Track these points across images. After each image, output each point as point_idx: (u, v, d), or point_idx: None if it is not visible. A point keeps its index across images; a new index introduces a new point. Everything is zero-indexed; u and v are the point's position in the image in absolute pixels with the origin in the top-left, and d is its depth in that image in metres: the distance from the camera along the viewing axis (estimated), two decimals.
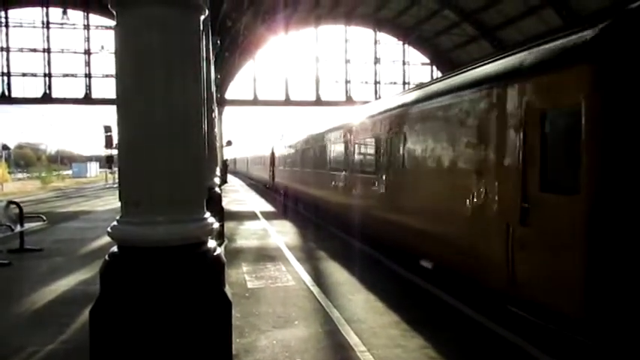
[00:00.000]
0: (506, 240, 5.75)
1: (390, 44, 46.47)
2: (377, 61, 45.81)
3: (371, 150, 11.32)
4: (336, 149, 14.68)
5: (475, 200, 6.57)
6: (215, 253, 3.38)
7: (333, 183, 14.45)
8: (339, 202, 13.75)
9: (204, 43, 3.72)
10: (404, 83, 45.60)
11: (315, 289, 7.48)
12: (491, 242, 6.06)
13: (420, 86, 10.15)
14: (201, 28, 3.52)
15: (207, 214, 3.47)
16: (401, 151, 9.19)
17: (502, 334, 5.53)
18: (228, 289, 3.56)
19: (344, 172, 13.33)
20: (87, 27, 39.82)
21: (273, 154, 30.55)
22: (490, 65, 6.84)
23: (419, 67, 47.00)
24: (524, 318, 5.62)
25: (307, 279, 8.14)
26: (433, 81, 9.75)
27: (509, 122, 5.93)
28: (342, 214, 13.70)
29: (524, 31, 33.21)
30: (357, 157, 12.47)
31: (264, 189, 33.99)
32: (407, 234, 8.67)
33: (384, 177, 10.17)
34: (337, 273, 8.60)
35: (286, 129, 37.46)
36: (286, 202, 23.24)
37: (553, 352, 4.95)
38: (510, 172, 5.84)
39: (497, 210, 6.07)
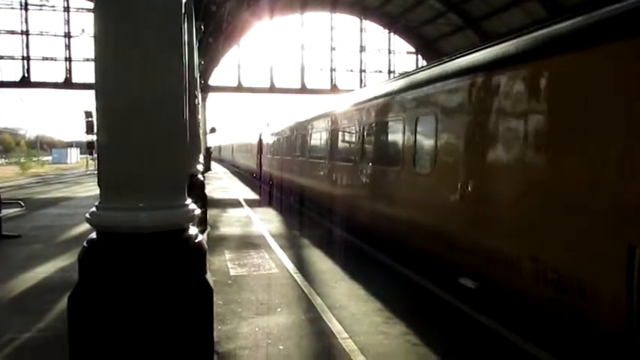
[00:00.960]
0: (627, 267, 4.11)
1: (375, 32, 46.42)
2: (362, 49, 45.71)
3: (384, 137, 9.91)
4: (334, 136, 13.22)
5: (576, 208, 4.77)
6: (197, 240, 3.34)
7: (333, 174, 12.83)
8: (344, 195, 11.96)
9: (186, 27, 3.64)
10: (389, 72, 45.62)
11: (298, 277, 7.48)
12: (598, 268, 4.46)
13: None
14: (183, 11, 3.44)
15: (189, 201, 3.42)
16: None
17: (483, 321, 5.59)
18: (209, 276, 3.53)
19: (351, 163, 11.55)
20: (67, 9, 39.02)
21: (260, 141, 28.69)
22: None
23: (404, 56, 47.07)
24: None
25: (290, 267, 8.14)
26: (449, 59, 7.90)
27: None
28: (345, 209, 11.75)
29: (509, 23, 33.37)
30: (367, 145, 10.72)
31: (251, 178, 32.96)
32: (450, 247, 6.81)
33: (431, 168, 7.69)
34: (321, 261, 8.61)
35: (271, 116, 37.01)
36: (275, 192, 22.21)
37: (530, 337, 5.01)
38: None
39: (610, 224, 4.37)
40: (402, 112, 8.67)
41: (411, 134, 8.21)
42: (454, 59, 7.59)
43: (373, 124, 10.36)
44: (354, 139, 11.52)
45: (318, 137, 14.85)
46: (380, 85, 11.19)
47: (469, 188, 6.44)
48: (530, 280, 5.21)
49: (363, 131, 10.80)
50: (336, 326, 5.42)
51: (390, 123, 9.46)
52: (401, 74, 10.52)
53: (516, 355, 4.77)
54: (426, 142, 7.75)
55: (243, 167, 39.65)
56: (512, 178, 5.66)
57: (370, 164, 10.23)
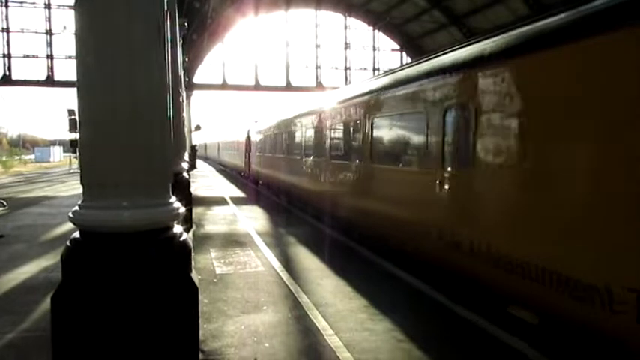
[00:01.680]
0: None
1: (360, 30, 46.40)
2: (347, 46, 45.69)
3: (396, 133, 8.73)
4: (338, 132, 11.97)
5: None
6: (181, 239, 3.34)
7: (339, 174, 11.28)
8: (343, 198, 10.81)
9: (168, 24, 3.62)
10: (374, 69, 45.67)
11: (284, 275, 7.48)
12: None
13: None
14: (166, 8, 3.43)
15: (173, 199, 3.42)
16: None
17: (468, 317, 5.65)
18: (194, 275, 3.53)
19: (358, 161, 10.13)
20: (48, 6, 38.42)
21: (248, 138, 27.08)
22: None
23: (389, 53, 47.15)
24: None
25: (277, 264, 8.14)
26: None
27: None
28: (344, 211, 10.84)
29: (493, 19, 33.65)
30: (377, 142, 9.31)
31: (237, 176, 32.42)
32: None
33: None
34: (307, 258, 8.62)
35: (257, 114, 36.39)
36: (262, 190, 21.70)
37: (513, 332, 5.09)
38: None
39: None
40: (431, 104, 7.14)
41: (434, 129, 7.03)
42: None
43: (391, 116, 8.73)
44: (358, 135, 10.17)
45: (312, 134, 13.74)
46: (406, 70, 8.81)
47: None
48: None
49: (373, 126, 9.36)
50: (321, 323, 5.44)
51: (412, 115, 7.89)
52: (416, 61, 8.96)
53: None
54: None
55: (230, 166, 38.33)
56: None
57: (389, 164, 8.78)
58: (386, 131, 9.00)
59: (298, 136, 15.52)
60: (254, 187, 23.85)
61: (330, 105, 12.46)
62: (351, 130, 10.79)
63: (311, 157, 13.72)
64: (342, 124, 11.57)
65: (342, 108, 11.42)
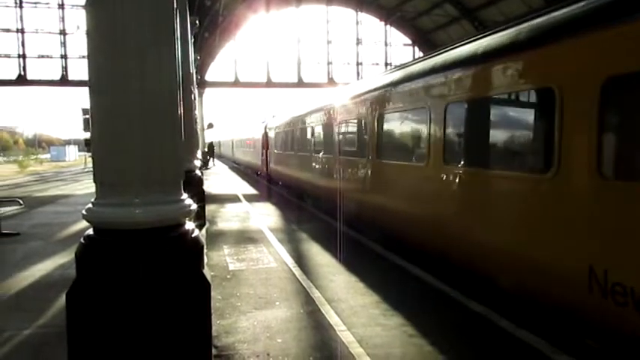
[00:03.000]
0: None
1: (371, 25, 46.30)
2: (359, 41, 45.59)
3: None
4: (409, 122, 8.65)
5: None
6: (193, 235, 3.37)
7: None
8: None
9: (178, 21, 3.64)
10: (386, 64, 45.52)
11: (296, 271, 7.51)
12: None
13: None
14: (176, 6, 3.45)
15: (185, 196, 3.44)
16: None
17: (482, 312, 5.62)
18: (207, 271, 3.55)
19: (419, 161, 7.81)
20: (61, 6, 38.83)
21: (266, 134, 24.42)
22: None
23: (401, 48, 46.95)
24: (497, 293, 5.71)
25: (289, 260, 8.16)
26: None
27: None
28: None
29: (506, 12, 33.31)
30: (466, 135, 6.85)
31: (250, 174, 31.20)
32: None
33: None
34: (319, 255, 8.63)
35: (269, 110, 35.62)
36: (279, 190, 20.38)
37: (528, 327, 5.05)
38: None
39: None
40: None
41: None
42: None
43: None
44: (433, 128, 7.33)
45: (362, 126, 10.57)
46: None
47: None
48: None
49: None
50: (334, 319, 5.45)
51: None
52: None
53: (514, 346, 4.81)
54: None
55: (245, 164, 35.97)
56: None
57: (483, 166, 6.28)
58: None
59: (334, 130, 12.49)
60: (267, 184, 23.81)
61: (394, 83, 8.91)
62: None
63: (356, 157, 10.69)
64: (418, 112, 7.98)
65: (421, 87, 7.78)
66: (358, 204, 10.63)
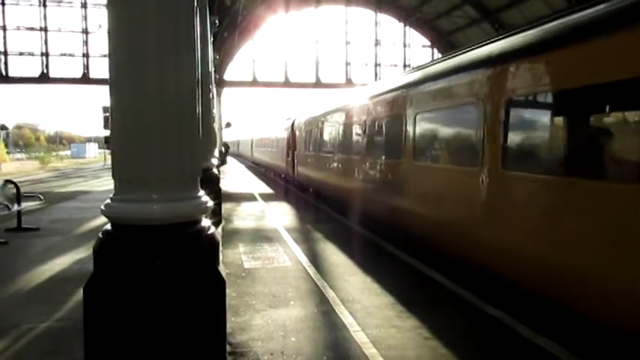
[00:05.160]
0: None
1: (390, 26, 46.06)
2: (377, 42, 45.37)
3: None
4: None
5: None
6: (209, 232, 3.39)
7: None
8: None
9: (197, 20, 3.67)
10: (404, 66, 45.28)
11: (311, 270, 7.51)
12: None
13: None
14: (196, 4, 3.47)
15: (202, 193, 3.47)
16: None
17: (498, 316, 5.57)
18: (222, 268, 3.57)
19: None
20: (84, 5, 39.35)
21: (292, 133, 21.56)
22: None
23: (419, 49, 46.67)
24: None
25: (304, 260, 8.17)
26: None
27: None
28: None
29: (527, 14, 32.91)
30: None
31: (267, 174, 30.55)
32: None
33: None
34: (334, 255, 8.62)
35: (286, 110, 34.63)
36: (294, 190, 19.42)
37: (544, 332, 4.99)
38: None
39: None
40: None
41: None
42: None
43: None
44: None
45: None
46: None
47: None
48: None
49: None
50: (348, 319, 5.44)
51: None
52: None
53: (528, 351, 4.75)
54: None
55: (266, 165, 32.61)
56: None
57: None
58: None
59: (397, 127, 9.40)
60: (284, 184, 23.81)
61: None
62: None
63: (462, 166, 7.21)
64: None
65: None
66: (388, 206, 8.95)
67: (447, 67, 7.91)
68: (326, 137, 15.67)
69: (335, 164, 14.25)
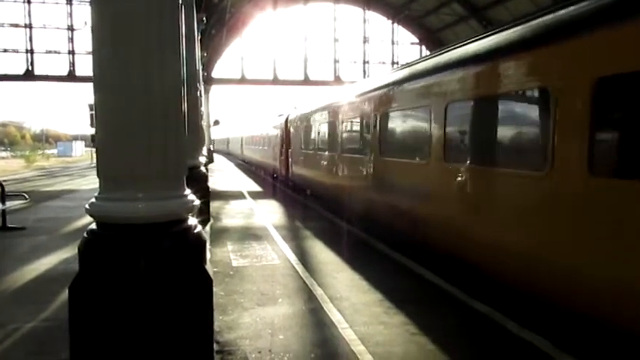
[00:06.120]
0: None
1: (378, 23, 46.17)
2: (366, 40, 45.44)
3: None
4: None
5: None
6: (196, 231, 3.37)
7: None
8: None
9: (183, 17, 3.64)
10: (392, 63, 45.38)
11: (299, 268, 7.51)
12: None
13: None
14: (180, 2, 3.45)
15: (188, 191, 3.45)
16: None
17: (485, 311, 5.61)
18: (209, 267, 3.56)
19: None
20: (69, 2, 38.93)
21: (286, 130, 20.38)
22: None
23: (408, 47, 46.81)
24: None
25: (292, 258, 8.17)
26: None
27: None
28: None
29: (513, 11, 33.14)
30: None
31: (256, 171, 30.59)
32: None
33: None
34: (323, 253, 8.63)
35: (275, 108, 34.65)
36: (282, 187, 19.26)
37: (532, 327, 5.03)
38: None
39: None
40: None
41: None
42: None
43: None
44: None
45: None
46: None
47: None
48: None
49: None
50: (336, 316, 5.45)
51: None
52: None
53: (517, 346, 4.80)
54: None
55: (256, 163, 31.53)
56: None
57: None
58: None
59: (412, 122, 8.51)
60: (272, 181, 23.76)
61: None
62: None
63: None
64: None
65: None
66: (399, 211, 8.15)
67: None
68: (328, 134, 13.77)
69: (339, 164, 12.38)
